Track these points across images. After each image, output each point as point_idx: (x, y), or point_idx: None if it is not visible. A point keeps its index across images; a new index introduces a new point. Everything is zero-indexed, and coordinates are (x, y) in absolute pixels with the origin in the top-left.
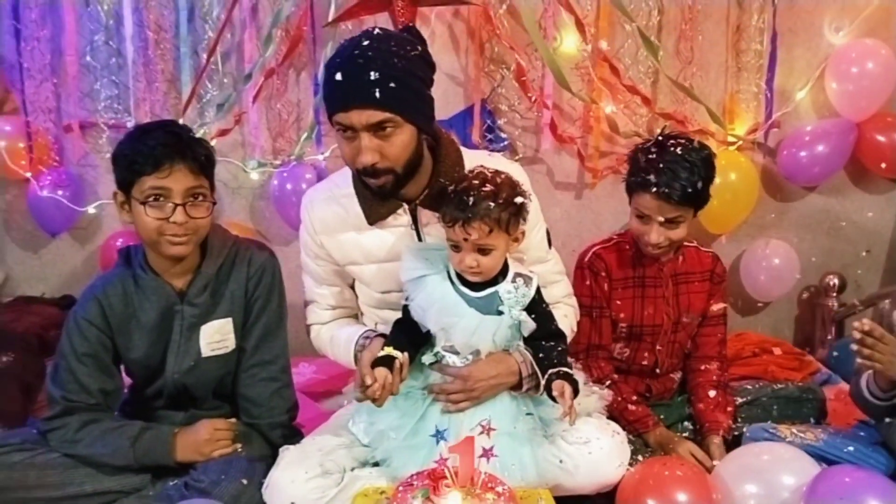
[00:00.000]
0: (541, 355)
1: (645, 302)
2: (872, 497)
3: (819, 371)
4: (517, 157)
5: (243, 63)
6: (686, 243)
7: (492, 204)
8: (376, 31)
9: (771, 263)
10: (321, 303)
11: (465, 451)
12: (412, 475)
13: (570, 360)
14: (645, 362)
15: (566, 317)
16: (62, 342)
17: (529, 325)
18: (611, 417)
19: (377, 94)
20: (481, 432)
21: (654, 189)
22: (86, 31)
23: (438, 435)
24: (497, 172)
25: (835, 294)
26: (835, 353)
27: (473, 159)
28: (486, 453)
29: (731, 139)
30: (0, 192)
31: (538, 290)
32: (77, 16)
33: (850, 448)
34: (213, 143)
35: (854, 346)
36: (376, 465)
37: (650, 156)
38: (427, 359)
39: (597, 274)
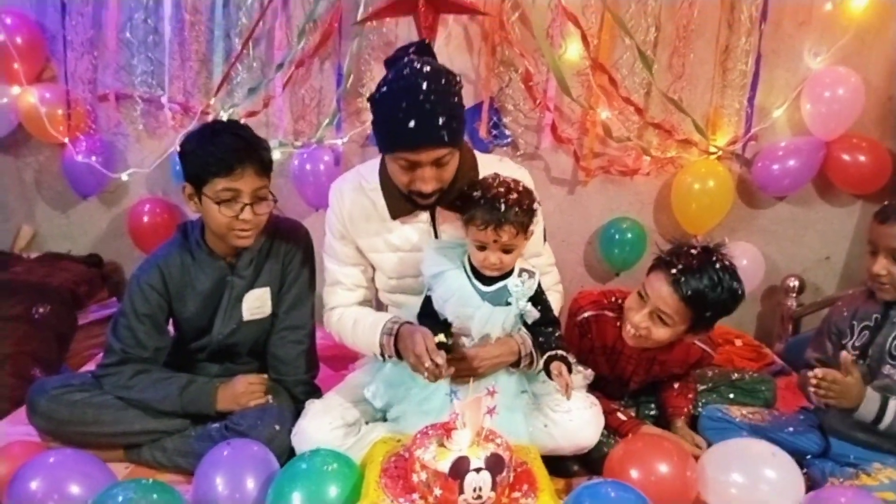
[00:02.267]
0: (541, 339)
1: (616, 367)
2: None
3: (774, 363)
4: (519, 153)
5: (272, 49)
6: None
7: (518, 210)
8: (426, 68)
9: (739, 263)
10: (346, 283)
11: (473, 407)
12: (427, 426)
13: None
14: (612, 395)
15: (557, 303)
16: (124, 302)
17: (534, 314)
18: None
19: (445, 137)
20: (487, 394)
21: (674, 272)
22: (126, 9)
23: (452, 394)
24: (516, 181)
25: (794, 295)
26: (789, 348)
27: (486, 163)
28: (490, 411)
29: (712, 149)
30: (34, 153)
31: (539, 284)
32: None
33: (790, 429)
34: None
35: (811, 390)
36: (385, 419)
37: (692, 250)
38: (440, 338)
39: (584, 335)
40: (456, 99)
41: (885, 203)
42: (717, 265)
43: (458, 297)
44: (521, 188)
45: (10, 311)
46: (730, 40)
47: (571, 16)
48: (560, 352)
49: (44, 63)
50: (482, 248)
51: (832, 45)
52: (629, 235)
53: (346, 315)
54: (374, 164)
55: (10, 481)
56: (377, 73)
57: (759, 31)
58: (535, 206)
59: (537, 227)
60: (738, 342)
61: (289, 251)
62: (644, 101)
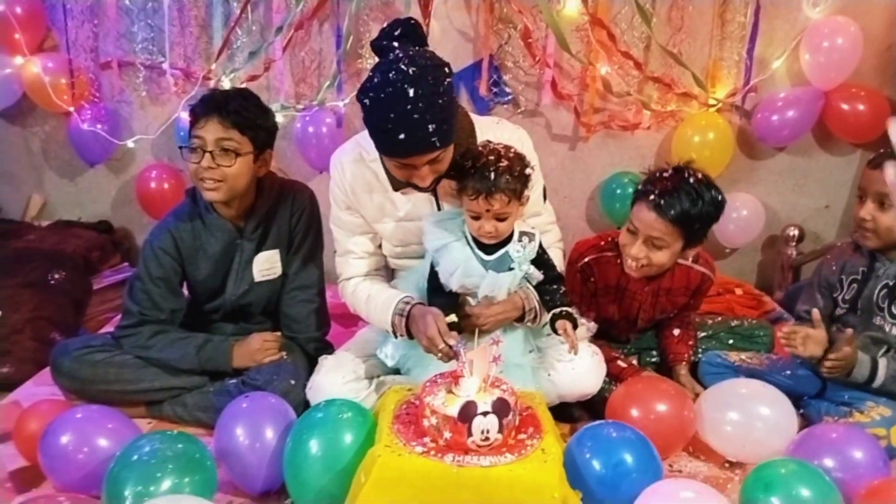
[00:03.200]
0: (546, 298)
1: (622, 305)
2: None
3: (774, 310)
4: (519, 110)
5: (271, 13)
6: (680, 261)
7: (509, 177)
8: (412, 70)
9: (740, 214)
10: (356, 251)
11: (480, 355)
12: (436, 374)
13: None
14: (618, 336)
15: (558, 259)
16: (139, 266)
17: (537, 276)
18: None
19: (437, 143)
20: (492, 343)
21: (652, 198)
22: None
23: (460, 344)
24: (507, 147)
25: (794, 244)
26: (789, 296)
27: (483, 127)
28: (496, 359)
29: (711, 101)
30: (40, 123)
31: (540, 243)
32: None
33: (788, 372)
34: (242, 86)
35: (783, 342)
36: (397, 373)
37: (664, 174)
38: (451, 318)
39: (586, 279)
40: (444, 99)
41: (886, 149)
42: (691, 180)
43: (462, 268)
44: (511, 154)
45: (27, 277)
46: None
47: None
48: (565, 309)
49: (45, 32)
50: (476, 217)
51: None
52: (630, 190)
53: (360, 289)
54: None
55: (42, 436)
56: (376, 32)
57: None
58: (528, 171)
59: (535, 188)
60: (739, 291)
61: (294, 213)
62: (643, 55)
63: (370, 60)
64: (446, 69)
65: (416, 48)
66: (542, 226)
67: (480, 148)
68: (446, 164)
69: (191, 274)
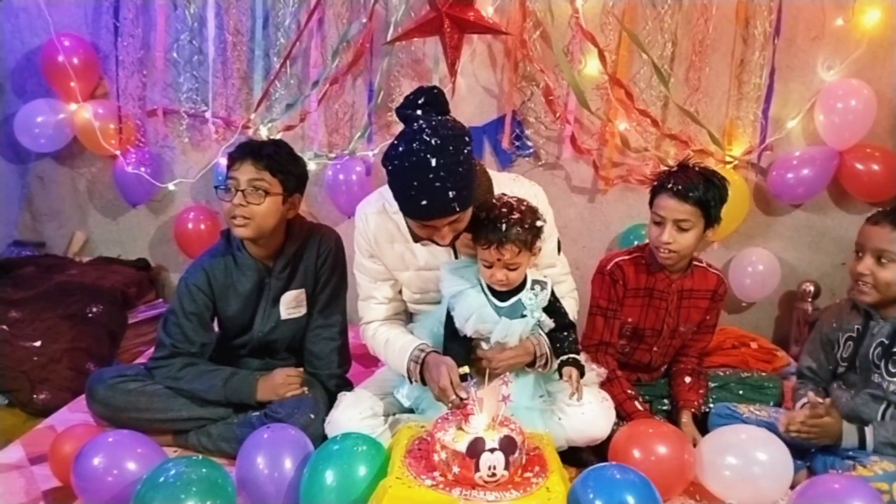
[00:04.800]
0: (556, 344)
1: (650, 310)
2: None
3: (788, 365)
4: (540, 163)
5: (308, 67)
6: (696, 263)
7: (519, 229)
8: (434, 141)
9: (756, 269)
10: (377, 297)
11: (489, 394)
12: (447, 412)
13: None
14: (641, 359)
15: (572, 310)
16: (174, 302)
17: (548, 323)
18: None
19: (457, 208)
20: (502, 383)
21: (670, 186)
22: (173, 31)
23: (470, 382)
24: (520, 200)
25: (810, 299)
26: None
27: (501, 183)
28: (505, 399)
29: (728, 159)
30: (88, 165)
31: (552, 291)
32: (167, 17)
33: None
34: (278, 135)
35: (792, 436)
36: (412, 412)
37: (674, 169)
38: (464, 370)
39: (616, 282)
40: (464, 167)
41: (889, 207)
42: (698, 169)
43: (477, 314)
44: (524, 207)
45: (67, 310)
46: (745, 54)
47: (589, 34)
48: (572, 356)
49: (97, 81)
50: (489, 265)
51: (845, 59)
52: (647, 241)
53: (380, 333)
54: None
55: (75, 458)
56: (405, 88)
57: (773, 45)
58: (539, 223)
59: (549, 240)
60: (754, 345)
61: (321, 254)
62: (661, 113)
63: None
64: (466, 137)
65: (439, 117)
66: (557, 276)
67: (494, 200)
68: (465, 223)
69: (221, 310)
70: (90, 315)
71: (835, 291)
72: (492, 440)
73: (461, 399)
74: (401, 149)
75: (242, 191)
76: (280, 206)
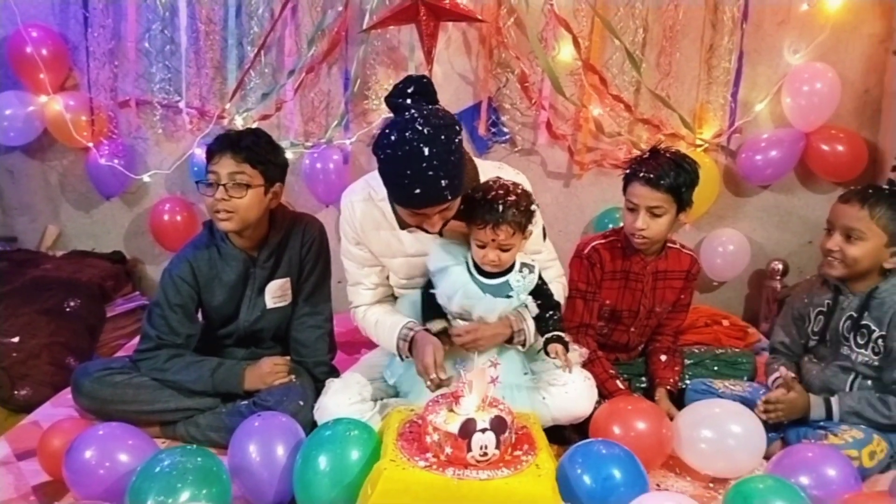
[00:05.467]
0: (541, 324)
1: (627, 292)
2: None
3: (760, 340)
4: (516, 149)
5: (283, 56)
6: (670, 244)
7: (515, 211)
8: (427, 130)
9: (727, 249)
10: (365, 283)
11: (478, 376)
12: (438, 395)
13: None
14: (619, 340)
15: (559, 293)
16: (158, 293)
17: (534, 308)
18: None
19: (448, 196)
20: (490, 365)
21: (642, 175)
22: (144, 21)
23: (459, 365)
24: (515, 185)
25: (779, 277)
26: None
27: (486, 171)
28: (493, 380)
29: (698, 142)
30: (59, 157)
31: (539, 274)
32: (137, 7)
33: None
34: (254, 125)
35: (762, 416)
36: (397, 395)
37: (645, 156)
38: (435, 326)
39: (593, 265)
40: (455, 156)
41: (858, 186)
42: (668, 155)
43: (462, 291)
44: (519, 191)
45: (44, 304)
46: (714, 39)
47: (563, 20)
48: (557, 333)
49: (67, 72)
50: (482, 245)
51: (810, 43)
52: (622, 224)
53: (369, 315)
54: None
55: (67, 452)
56: (381, 76)
57: (741, 30)
58: (533, 207)
59: (536, 226)
60: (726, 322)
61: (305, 243)
62: (633, 98)
63: (376, 102)
64: (457, 127)
65: (429, 107)
66: (544, 262)
67: (491, 182)
68: (454, 211)
69: (206, 301)
70: (68, 309)
71: (802, 269)
72: (482, 421)
73: (440, 379)
74: (393, 137)
75: (224, 185)
76: (262, 197)
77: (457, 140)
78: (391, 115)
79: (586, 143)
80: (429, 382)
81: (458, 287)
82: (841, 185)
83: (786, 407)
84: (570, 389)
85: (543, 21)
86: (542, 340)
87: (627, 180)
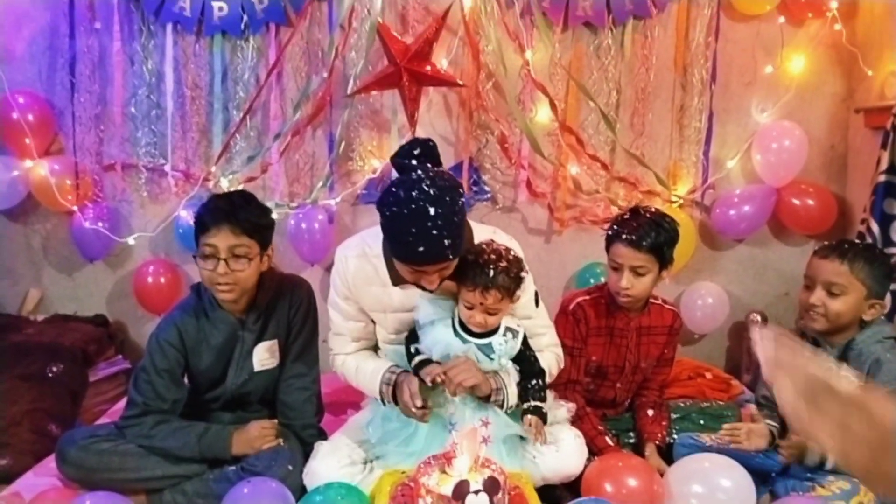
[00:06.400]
0: (521, 392)
1: (612, 348)
2: None
3: (742, 393)
4: (498, 207)
5: (268, 119)
6: (652, 300)
7: (506, 277)
8: (433, 191)
9: (706, 302)
10: (347, 336)
11: (470, 437)
12: (429, 457)
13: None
14: (606, 396)
15: (549, 362)
16: (145, 359)
17: (513, 374)
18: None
19: (450, 255)
20: (482, 425)
21: (624, 237)
22: (130, 86)
23: (450, 426)
24: (507, 250)
25: (758, 329)
26: (756, 379)
27: (481, 234)
28: (486, 440)
29: (674, 198)
30: (42, 221)
31: (524, 339)
32: (124, 73)
33: (754, 452)
34: (240, 186)
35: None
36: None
37: (625, 217)
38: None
39: (578, 321)
40: (458, 217)
41: (833, 241)
42: (648, 215)
43: (443, 346)
44: (511, 257)
45: (26, 370)
46: (684, 100)
47: (539, 84)
48: (536, 404)
49: (53, 137)
50: (470, 307)
51: (776, 102)
52: (602, 279)
53: (349, 361)
54: (377, 231)
55: None
56: (365, 138)
57: (710, 91)
58: (523, 274)
59: (526, 292)
60: (709, 375)
61: (293, 305)
62: (609, 156)
63: (360, 163)
64: (460, 190)
65: (435, 169)
66: (536, 328)
67: (483, 246)
68: (451, 270)
69: (193, 365)
70: (50, 375)
71: (780, 321)
72: (476, 482)
73: (420, 407)
74: (401, 195)
75: (224, 259)
76: (259, 264)
77: (460, 202)
78: (374, 175)
79: (565, 201)
80: (414, 417)
81: (441, 341)
82: (813, 238)
83: (795, 452)
84: (560, 448)
85: (521, 85)
86: (517, 403)
87: (610, 241)
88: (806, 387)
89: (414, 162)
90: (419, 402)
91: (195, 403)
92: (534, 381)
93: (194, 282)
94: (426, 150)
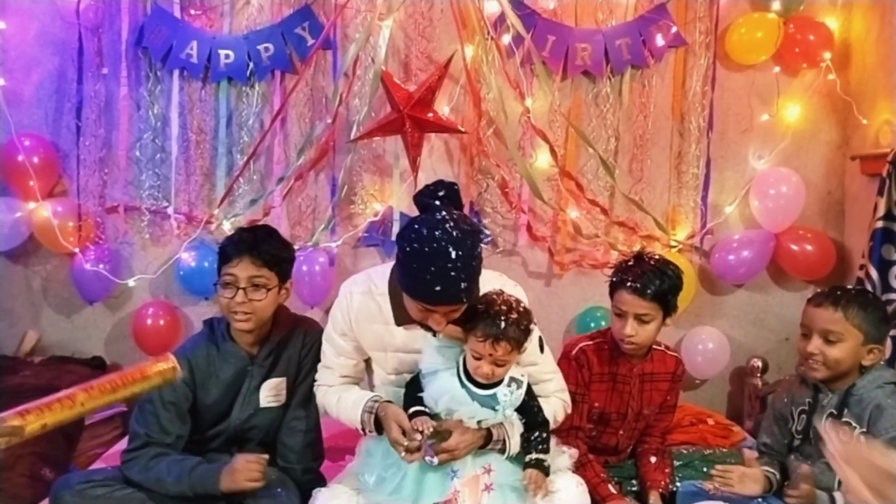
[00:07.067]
0: (524, 444)
1: (615, 395)
2: None
3: (745, 439)
4: (498, 250)
5: (272, 164)
6: (655, 346)
7: (516, 329)
8: (456, 233)
9: (706, 347)
10: (335, 371)
11: (472, 484)
12: None
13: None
14: (609, 442)
15: (555, 409)
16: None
17: (517, 425)
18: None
19: (464, 298)
20: (484, 472)
21: (629, 285)
22: (136, 130)
23: (452, 473)
24: (518, 301)
25: (759, 374)
26: (758, 425)
27: (487, 278)
28: (488, 487)
29: (672, 243)
30: (42, 262)
31: (528, 389)
32: (129, 117)
33: (759, 499)
34: None
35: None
36: None
37: (629, 263)
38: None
39: (581, 366)
40: (476, 262)
41: (828, 288)
42: (652, 262)
43: (449, 396)
44: (521, 308)
45: None
46: (682, 147)
47: (539, 131)
48: (538, 457)
49: (57, 179)
50: (478, 357)
51: (773, 149)
52: (603, 323)
53: (330, 392)
54: (385, 270)
55: None
56: (367, 182)
57: (707, 138)
58: (532, 326)
59: (530, 339)
60: (710, 421)
61: (306, 344)
62: (609, 201)
63: (361, 206)
64: (480, 235)
65: (457, 212)
66: (541, 375)
67: (494, 296)
68: (460, 313)
69: (201, 399)
70: None
71: (781, 366)
72: None
73: (414, 441)
74: (423, 233)
75: (243, 288)
76: (276, 296)
77: (479, 248)
78: (375, 218)
79: (565, 245)
80: (403, 454)
81: (446, 391)
82: (813, 283)
83: (805, 500)
84: (562, 496)
85: (521, 131)
86: (518, 452)
87: (614, 287)
88: (871, 477)
89: (437, 202)
90: (417, 436)
91: (196, 441)
92: (537, 434)
93: (193, 324)
94: (450, 192)
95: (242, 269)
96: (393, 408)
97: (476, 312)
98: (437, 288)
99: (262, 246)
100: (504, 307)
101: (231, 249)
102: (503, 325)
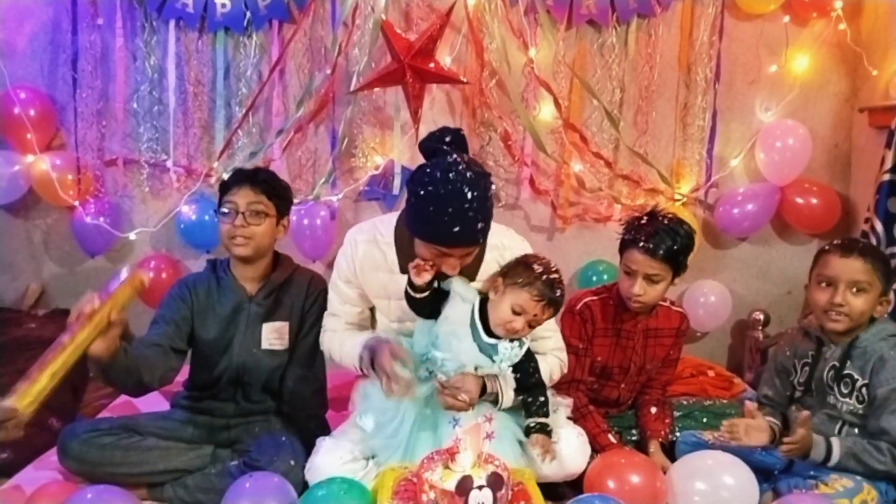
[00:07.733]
0: (525, 406)
1: (618, 349)
2: None
3: (745, 391)
4: (500, 204)
5: (271, 116)
6: (660, 302)
7: (563, 298)
8: (469, 174)
9: (708, 300)
10: (341, 318)
11: (473, 433)
12: (433, 452)
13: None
14: (609, 395)
15: (552, 367)
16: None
17: (510, 380)
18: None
19: (480, 239)
20: (485, 420)
21: (641, 244)
22: (133, 82)
23: (453, 421)
24: (558, 270)
25: (760, 327)
26: (759, 377)
27: (496, 231)
28: (489, 436)
29: (677, 196)
30: (43, 216)
31: (528, 351)
32: (126, 69)
33: (760, 450)
34: None
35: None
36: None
37: (642, 221)
38: (423, 373)
39: (585, 321)
40: (489, 203)
41: (842, 239)
42: (665, 221)
43: (455, 324)
44: (562, 278)
45: (26, 364)
46: (688, 99)
47: (543, 82)
48: (540, 421)
49: (54, 132)
50: (518, 313)
51: (780, 101)
52: (605, 277)
53: (336, 335)
54: (390, 219)
55: None
56: (368, 135)
57: (714, 90)
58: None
59: None
60: (711, 373)
61: (310, 295)
62: (613, 154)
63: (362, 159)
64: (490, 178)
65: (466, 156)
66: (541, 331)
67: (549, 264)
68: (472, 257)
69: (199, 333)
70: None
71: (783, 319)
72: (479, 477)
73: (396, 374)
74: (437, 175)
75: (242, 213)
76: (274, 227)
77: (491, 189)
78: (377, 172)
79: (568, 198)
80: (384, 386)
81: (452, 319)
82: (817, 237)
83: (799, 446)
84: (563, 447)
85: (524, 82)
86: (525, 423)
87: (625, 245)
88: None
89: (444, 147)
90: (399, 370)
91: (203, 383)
92: (539, 398)
93: None
94: (456, 138)
95: (242, 196)
96: (391, 342)
97: (532, 271)
98: (456, 229)
99: (261, 176)
100: (556, 276)
101: (231, 180)
102: (558, 293)
